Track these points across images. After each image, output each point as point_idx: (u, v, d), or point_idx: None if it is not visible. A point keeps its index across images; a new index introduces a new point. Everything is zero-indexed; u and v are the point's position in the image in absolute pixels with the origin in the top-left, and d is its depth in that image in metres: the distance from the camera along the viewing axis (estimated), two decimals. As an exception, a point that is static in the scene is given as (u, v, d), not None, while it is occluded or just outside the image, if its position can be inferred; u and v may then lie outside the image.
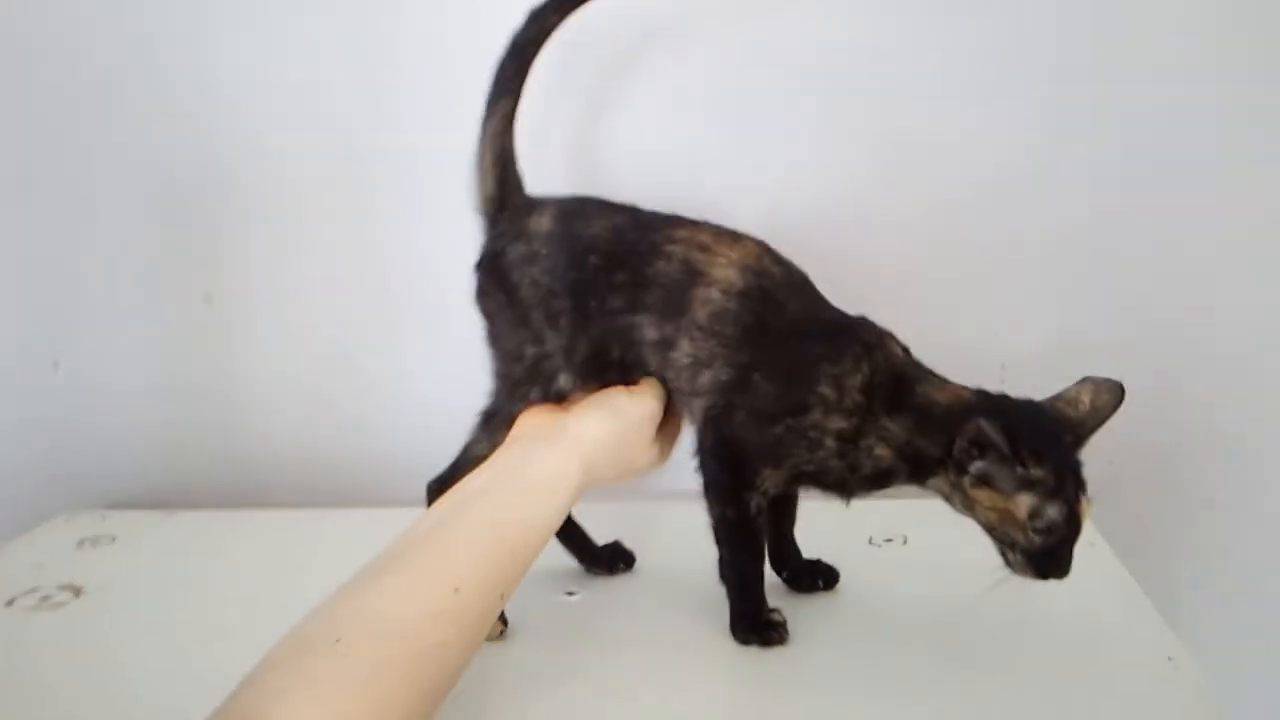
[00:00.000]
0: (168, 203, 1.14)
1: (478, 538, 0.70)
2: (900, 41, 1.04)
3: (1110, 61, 1.03)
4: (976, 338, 1.08)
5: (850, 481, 0.81)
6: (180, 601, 0.95)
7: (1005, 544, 0.76)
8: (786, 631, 0.83)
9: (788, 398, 0.80)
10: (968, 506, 0.76)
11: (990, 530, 0.76)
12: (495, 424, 0.88)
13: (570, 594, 0.94)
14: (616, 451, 0.81)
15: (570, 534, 0.96)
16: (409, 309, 1.15)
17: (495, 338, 0.89)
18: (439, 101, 1.07)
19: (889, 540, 1.02)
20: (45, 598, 0.94)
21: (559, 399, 0.86)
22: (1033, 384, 0.78)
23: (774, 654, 0.83)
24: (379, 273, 1.14)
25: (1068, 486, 0.73)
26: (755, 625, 0.83)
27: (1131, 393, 0.77)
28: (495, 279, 0.88)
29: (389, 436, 1.18)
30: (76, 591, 0.95)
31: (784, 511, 0.91)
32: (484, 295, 0.89)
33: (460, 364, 1.13)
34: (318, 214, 1.13)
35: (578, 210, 0.88)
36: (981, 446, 0.73)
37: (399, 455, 1.15)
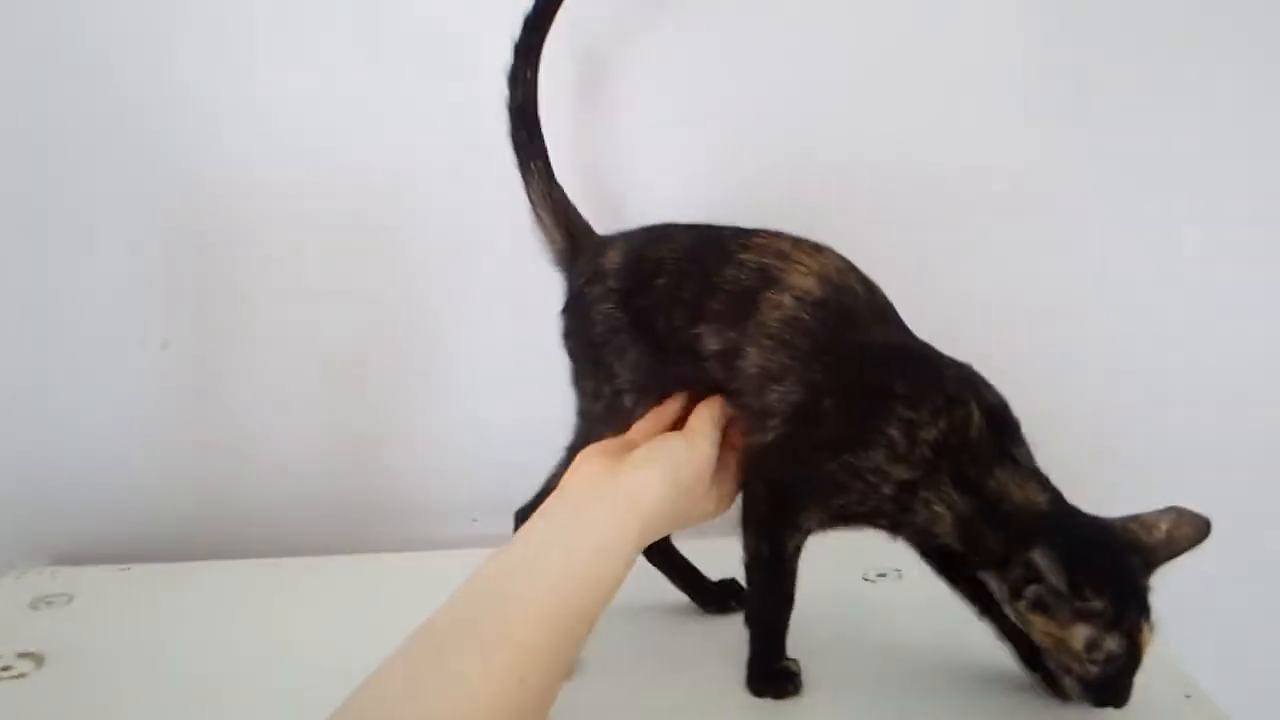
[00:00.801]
0: (127, 239, 1.07)
1: (543, 612, 0.64)
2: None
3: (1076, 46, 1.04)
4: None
5: (903, 524, 0.78)
6: (157, 667, 0.89)
7: (1060, 669, 0.73)
8: (800, 683, 0.81)
9: (851, 430, 0.75)
10: (1021, 624, 0.74)
11: (1045, 653, 0.74)
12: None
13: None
14: (673, 511, 0.75)
15: (678, 568, 0.94)
16: (390, 353, 1.12)
17: (577, 377, 0.88)
18: (435, 131, 1.05)
19: (882, 575, 1.01)
20: (6, 668, 0.88)
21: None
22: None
23: (785, 705, 0.81)
24: (359, 313, 1.10)
25: (1129, 616, 0.69)
26: (771, 675, 0.81)
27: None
28: (576, 321, 0.87)
29: (370, 480, 1.14)
30: (39, 660, 0.89)
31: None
32: (567, 338, 0.88)
33: (449, 408, 1.11)
34: (287, 256, 1.08)
35: (647, 238, 0.87)
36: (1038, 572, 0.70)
37: (381, 500, 1.14)
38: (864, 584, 1.00)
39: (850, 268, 0.81)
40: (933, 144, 1.05)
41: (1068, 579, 0.68)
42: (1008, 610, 0.75)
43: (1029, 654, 0.82)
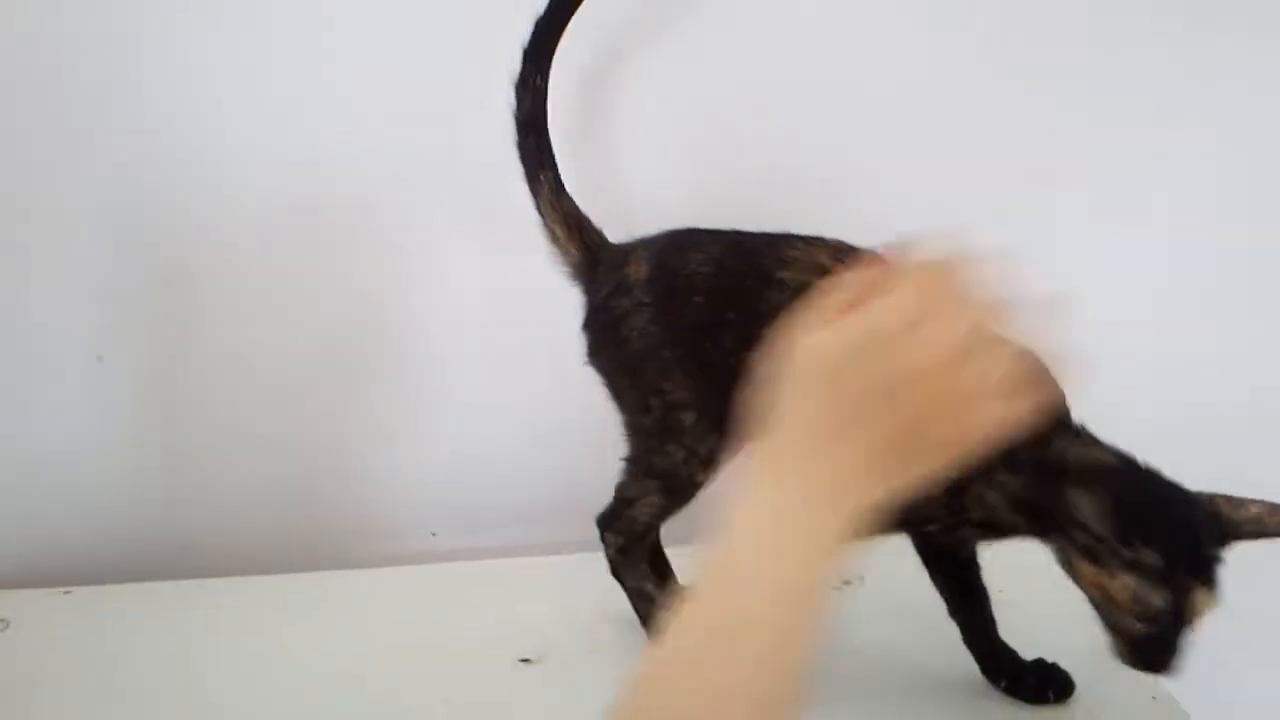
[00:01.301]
0: (58, 250, 1.04)
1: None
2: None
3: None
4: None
5: (957, 526, 0.75)
6: (103, 695, 0.86)
7: (1109, 627, 0.71)
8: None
9: None
10: (1074, 576, 0.72)
11: (1096, 608, 0.71)
12: (638, 471, 0.85)
13: (525, 661, 0.89)
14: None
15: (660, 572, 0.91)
16: (343, 364, 1.09)
17: (617, 395, 0.86)
18: (396, 139, 1.02)
19: (846, 582, 1.00)
20: (-53, 703, 0.85)
21: (702, 451, 0.82)
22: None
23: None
24: (311, 325, 1.08)
25: (1181, 574, 0.67)
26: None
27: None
28: (603, 337, 0.85)
29: (321, 496, 1.12)
30: (-21, 692, 0.86)
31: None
32: (595, 354, 0.86)
33: (404, 421, 1.10)
34: (237, 268, 1.05)
35: (672, 249, 0.84)
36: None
37: (333, 516, 1.13)
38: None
39: None
40: (925, 144, 1.05)
41: (1118, 526, 0.67)
42: (1069, 574, 0.72)
43: (992, 665, 0.82)
